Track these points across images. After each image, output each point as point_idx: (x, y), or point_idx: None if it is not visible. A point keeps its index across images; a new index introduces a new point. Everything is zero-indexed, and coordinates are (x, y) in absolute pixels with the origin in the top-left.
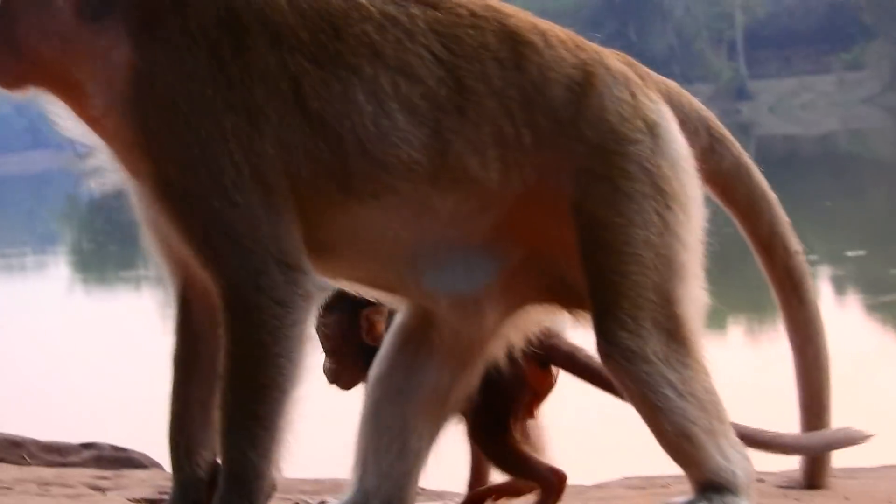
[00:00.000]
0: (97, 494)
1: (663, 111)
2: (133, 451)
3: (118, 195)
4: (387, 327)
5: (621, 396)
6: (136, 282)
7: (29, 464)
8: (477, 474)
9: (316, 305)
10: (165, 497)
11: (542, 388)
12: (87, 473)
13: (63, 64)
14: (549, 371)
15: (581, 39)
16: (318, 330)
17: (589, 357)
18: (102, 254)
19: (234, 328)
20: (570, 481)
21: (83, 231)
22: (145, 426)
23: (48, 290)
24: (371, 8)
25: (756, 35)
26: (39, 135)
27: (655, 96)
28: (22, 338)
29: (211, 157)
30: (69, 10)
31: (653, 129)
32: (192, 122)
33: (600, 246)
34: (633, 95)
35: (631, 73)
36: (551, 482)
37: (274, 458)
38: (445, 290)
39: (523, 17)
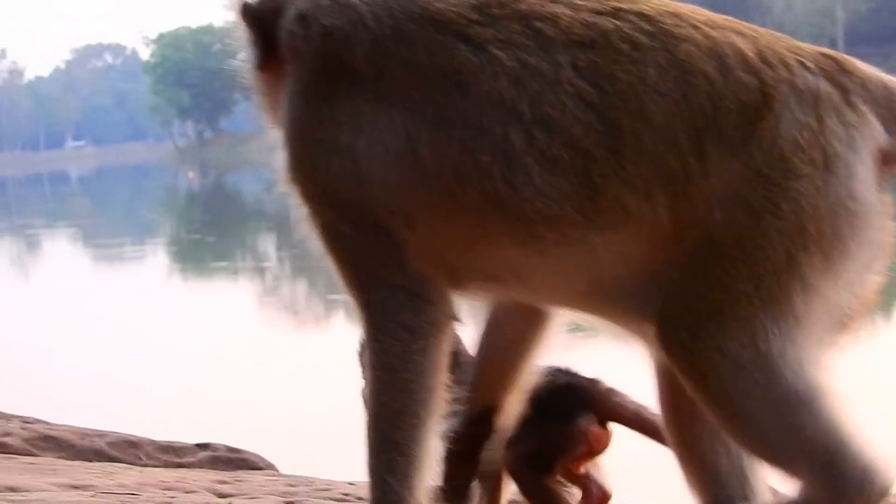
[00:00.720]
0: (223, 502)
1: (854, 139)
2: (247, 452)
3: (216, 188)
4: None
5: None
6: (234, 272)
7: (145, 464)
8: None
9: (447, 334)
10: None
11: (599, 446)
12: (207, 477)
13: (266, 107)
14: (608, 431)
15: (777, 50)
16: None
17: (654, 415)
18: (200, 245)
19: (370, 352)
20: None
21: (181, 222)
22: (255, 424)
23: (147, 280)
24: (508, 63)
25: (856, 31)
26: (138, 127)
27: (855, 115)
28: (122, 328)
29: (329, 192)
30: (252, 64)
31: (828, 163)
32: (306, 160)
33: (705, 274)
34: (820, 120)
35: (828, 90)
36: None
37: (413, 485)
38: (646, 316)
39: (701, 40)
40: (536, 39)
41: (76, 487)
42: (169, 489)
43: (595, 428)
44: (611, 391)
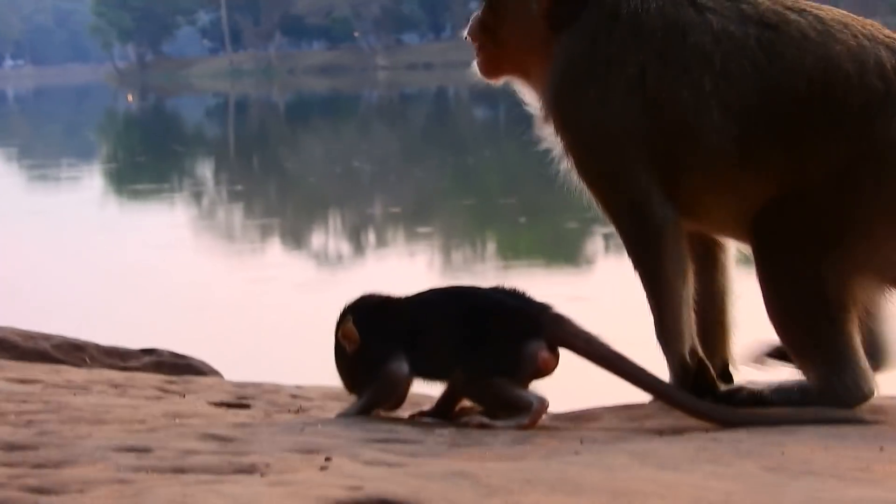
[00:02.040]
0: (176, 396)
1: None
2: (192, 359)
3: (155, 111)
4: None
5: (636, 384)
6: (170, 196)
7: (90, 367)
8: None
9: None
10: (244, 401)
11: (546, 370)
12: (154, 378)
13: (529, 61)
14: (556, 355)
15: None
16: None
17: (605, 346)
18: (137, 167)
19: None
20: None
21: (119, 144)
22: (196, 338)
23: (84, 200)
24: (714, 25)
25: None
26: (79, 48)
27: None
28: (57, 244)
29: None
30: (542, 21)
31: None
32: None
33: None
34: None
35: None
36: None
37: None
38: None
39: (853, 45)
40: (737, 14)
41: (24, 381)
42: (119, 386)
43: (544, 353)
44: (561, 318)
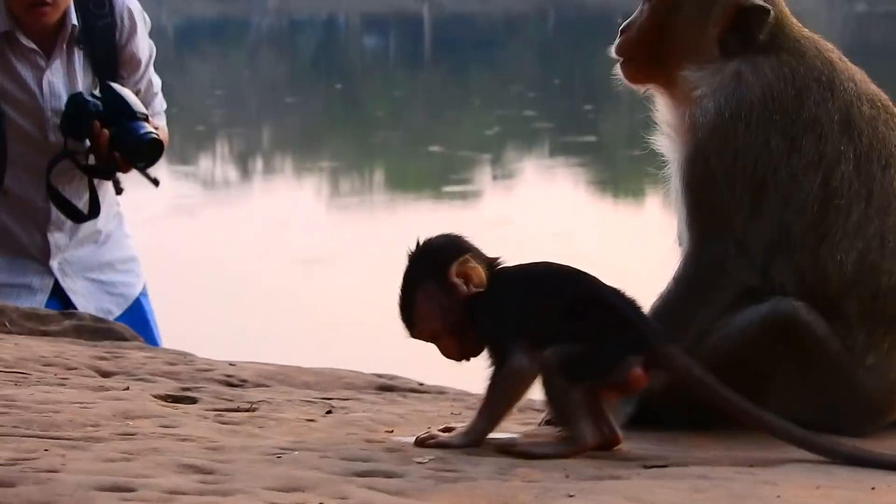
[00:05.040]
0: (117, 387)
1: None
2: (113, 323)
3: None
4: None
5: (733, 417)
6: None
7: (10, 331)
8: None
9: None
10: (187, 393)
11: (631, 387)
12: (82, 352)
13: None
14: (648, 375)
15: None
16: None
17: (704, 374)
18: None
19: None
20: None
21: None
22: None
23: None
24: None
25: None
26: None
27: None
28: None
29: None
30: (714, 44)
31: None
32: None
33: None
34: None
35: None
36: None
37: None
38: None
39: None
40: None
41: None
42: (50, 364)
43: (639, 370)
44: (671, 344)
